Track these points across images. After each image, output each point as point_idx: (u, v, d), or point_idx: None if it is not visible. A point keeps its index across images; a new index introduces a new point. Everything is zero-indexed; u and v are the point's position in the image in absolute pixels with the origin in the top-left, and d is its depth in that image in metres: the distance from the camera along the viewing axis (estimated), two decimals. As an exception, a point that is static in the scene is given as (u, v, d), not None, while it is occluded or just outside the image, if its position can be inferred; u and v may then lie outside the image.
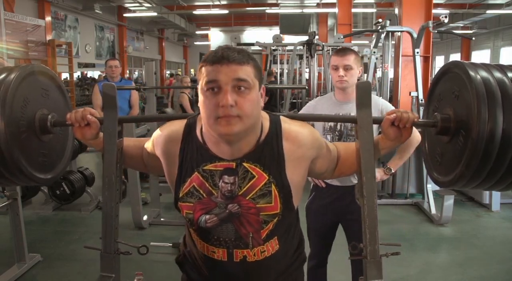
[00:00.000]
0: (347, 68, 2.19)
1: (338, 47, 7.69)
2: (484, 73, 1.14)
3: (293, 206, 1.26)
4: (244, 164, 1.19)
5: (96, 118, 1.36)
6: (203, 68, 1.11)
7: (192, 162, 1.22)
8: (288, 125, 1.24)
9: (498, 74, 1.14)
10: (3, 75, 1.30)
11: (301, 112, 2.37)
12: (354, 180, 2.20)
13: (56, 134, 1.47)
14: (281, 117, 1.26)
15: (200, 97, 1.13)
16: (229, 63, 1.08)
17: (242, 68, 1.09)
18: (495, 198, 4.58)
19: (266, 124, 1.22)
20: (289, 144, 1.21)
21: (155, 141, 1.31)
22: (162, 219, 4.32)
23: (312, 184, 2.41)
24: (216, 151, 1.20)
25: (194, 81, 11.76)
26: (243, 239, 1.24)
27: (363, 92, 1.78)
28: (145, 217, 4.11)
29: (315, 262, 2.47)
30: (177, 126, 1.27)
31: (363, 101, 1.77)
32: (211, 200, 1.21)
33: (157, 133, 1.31)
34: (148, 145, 1.37)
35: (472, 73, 1.13)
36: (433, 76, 1.40)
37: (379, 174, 2.34)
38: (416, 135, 2.13)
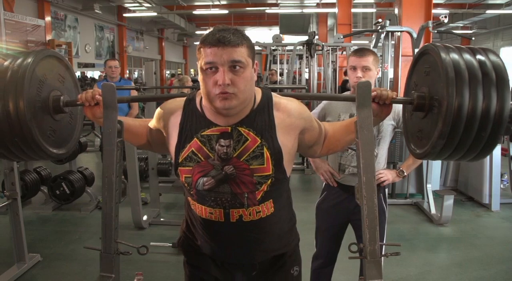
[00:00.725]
0: (365, 69, 2.15)
1: (338, 47, 7.73)
2: (454, 55, 1.25)
3: (285, 170, 1.35)
4: (239, 128, 1.31)
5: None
6: (202, 50, 1.22)
7: (192, 129, 1.34)
8: (278, 99, 1.38)
9: (467, 56, 1.26)
10: (20, 59, 1.40)
11: (315, 110, 2.36)
12: None
13: (68, 113, 1.60)
14: (272, 93, 1.40)
15: (200, 75, 1.25)
16: (225, 46, 1.19)
17: (237, 50, 1.20)
18: (495, 198, 4.58)
19: (258, 96, 1.36)
20: (279, 113, 1.35)
21: (158, 115, 1.44)
22: (162, 219, 4.33)
23: (324, 183, 2.40)
24: (213, 119, 1.33)
25: (195, 81, 11.77)
26: (238, 199, 1.33)
27: (363, 92, 1.78)
28: (145, 217, 4.11)
29: (321, 262, 2.45)
30: (178, 101, 1.41)
31: (363, 101, 1.77)
32: (208, 163, 1.32)
33: (159, 108, 1.44)
34: (152, 122, 1.48)
35: (443, 55, 1.25)
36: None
37: (391, 176, 2.32)
38: None
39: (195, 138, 1.33)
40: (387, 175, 2.30)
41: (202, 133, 1.33)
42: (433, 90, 1.33)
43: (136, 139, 1.57)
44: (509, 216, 4.45)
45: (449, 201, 4.02)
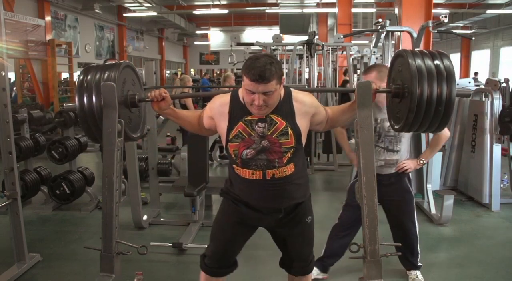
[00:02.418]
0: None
1: (338, 47, 7.74)
2: (418, 59, 1.83)
3: (302, 142, 1.93)
4: (271, 115, 1.87)
5: (167, 95, 2.00)
6: (244, 77, 1.77)
7: (238, 116, 1.90)
8: (296, 93, 1.95)
9: (427, 60, 1.83)
10: (109, 70, 1.97)
11: None
12: (393, 169, 2.78)
13: (139, 108, 2.17)
14: (291, 89, 1.97)
15: (244, 90, 1.82)
16: (261, 83, 1.72)
17: (269, 84, 1.74)
18: (495, 198, 4.58)
19: (282, 93, 1.91)
20: (297, 104, 1.92)
21: (211, 106, 2.00)
22: (162, 219, 4.32)
23: (356, 170, 2.67)
24: (251, 111, 1.87)
25: (195, 81, 11.77)
26: (271, 163, 1.90)
27: (363, 92, 1.78)
28: (145, 217, 4.11)
29: (341, 230, 2.96)
30: (225, 97, 1.97)
31: (363, 101, 1.77)
32: (250, 139, 1.89)
33: (211, 102, 2.01)
34: (206, 111, 2.03)
35: (410, 60, 1.82)
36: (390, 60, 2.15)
37: (413, 164, 2.81)
38: (445, 132, 2.82)
39: (241, 122, 1.89)
40: (409, 164, 2.79)
41: (246, 119, 1.89)
42: (405, 83, 1.87)
43: (189, 125, 2.11)
44: (509, 216, 4.45)
45: (449, 201, 4.02)
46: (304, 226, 2.08)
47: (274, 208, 1.99)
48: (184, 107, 6.83)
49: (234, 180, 2.02)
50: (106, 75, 1.93)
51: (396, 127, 2.03)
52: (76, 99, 1.94)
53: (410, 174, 2.89)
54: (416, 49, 1.91)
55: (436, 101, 1.79)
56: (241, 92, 1.89)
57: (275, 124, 1.87)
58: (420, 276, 3.02)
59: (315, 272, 2.93)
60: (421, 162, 2.85)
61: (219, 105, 1.95)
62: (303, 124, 1.91)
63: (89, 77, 1.96)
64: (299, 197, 2.02)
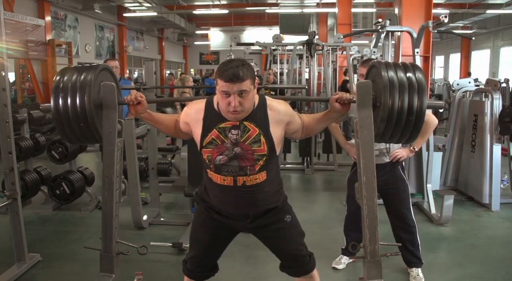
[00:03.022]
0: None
1: (338, 47, 7.74)
2: (391, 72, 1.86)
3: (275, 151, 1.95)
4: (244, 122, 1.90)
5: (143, 99, 2.02)
6: (218, 80, 1.80)
7: (212, 123, 1.92)
8: (270, 101, 1.98)
9: (400, 72, 1.86)
10: (85, 72, 1.97)
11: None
12: (386, 159, 2.91)
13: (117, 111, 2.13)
14: (266, 96, 2.00)
15: (218, 94, 1.84)
16: (235, 82, 1.76)
17: (243, 83, 1.78)
18: (495, 198, 4.58)
19: (257, 100, 1.94)
20: (271, 112, 1.94)
21: (187, 112, 2.03)
22: (162, 219, 4.32)
23: (354, 162, 2.84)
24: (226, 117, 1.90)
25: (195, 81, 11.79)
26: (243, 170, 1.92)
27: (363, 92, 1.79)
28: (145, 217, 4.11)
29: (351, 217, 3.15)
30: (200, 103, 2.00)
31: (363, 101, 1.78)
32: (223, 145, 1.91)
33: (187, 107, 2.04)
34: (182, 116, 2.06)
35: (383, 72, 1.85)
36: (365, 72, 2.13)
37: (405, 152, 2.94)
38: (433, 119, 2.90)
39: (215, 129, 1.91)
40: (402, 153, 2.93)
41: (219, 126, 1.91)
42: (377, 93, 1.89)
43: (166, 129, 2.15)
44: (509, 216, 4.45)
45: (449, 201, 4.02)
46: (284, 225, 2.09)
47: (243, 214, 2.04)
48: (184, 107, 6.83)
49: (208, 184, 2.06)
50: (82, 77, 1.94)
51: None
52: (52, 99, 1.94)
53: (403, 163, 3.04)
54: (390, 61, 1.95)
55: (407, 112, 1.82)
56: (215, 99, 1.93)
57: (248, 131, 1.89)
58: (421, 274, 3.03)
59: (345, 261, 3.25)
60: (413, 149, 2.97)
61: (195, 111, 1.99)
62: (277, 132, 1.93)
63: (65, 78, 1.97)
64: (269, 203, 2.05)
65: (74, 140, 2.03)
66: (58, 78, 1.98)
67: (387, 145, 2.87)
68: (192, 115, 1.99)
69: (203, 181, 2.13)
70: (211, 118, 1.93)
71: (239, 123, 1.89)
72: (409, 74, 1.87)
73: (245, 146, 1.89)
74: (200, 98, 2.07)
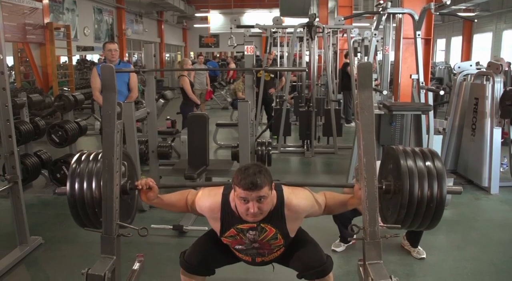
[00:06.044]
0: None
1: (339, 30, 7.66)
2: (410, 161, 1.85)
3: (291, 237, 2.07)
4: (261, 224, 1.98)
5: (154, 184, 2.04)
6: (237, 188, 1.84)
7: (230, 223, 2.01)
8: (289, 200, 1.99)
9: (419, 161, 1.87)
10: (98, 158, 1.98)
11: None
12: None
13: (130, 195, 2.11)
14: (284, 190, 2.02)
15: (236, 200, 1.89)
16: (254, 190, 1.80)
17: (262, 190, 1.82)
18: (494, 181, 4.59)
19: (274, 201, 1.97)
20: (289, 212, 1.99)
21: (200, 205, 2.06)
22: (162, 202, 4.34)
23: None
24: (245, 219, 1.96)
25: (194, 63, 11.73)
26: (261, 255, 2.12)
27: (364, 74, 1.76)
28: (145, 200, 4.12)
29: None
30: (215, 199, 2.02)
31: (364, 82, 1.75)
32: (242, 240, 2.05)
33: (200, 199, 2.07)
34: (196, 204, 2.09)
35: (402, 161, 1.85)
36: (381, 159, 2.12)
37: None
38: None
39: (233, 229, 2.01)
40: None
41: (237, 226, 2.00)
42: (396, 180, 1.88)
43: (179, 211, 2.19)
44: (508, 199, 4.47)
45: (448, 184, 4.02)
46: (297, 247, 2.15)
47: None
48: (183, 90, 6.79)
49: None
50: (99, 164, 1.94)
51: (389, 221, 1.97)
52: (68, 185, 2.02)
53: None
54: (407, 148, 1.95)
55: (427, 198, 1.83)
56: (232, 199, 1.96)
57: (265, 232, 1.99)
58: (421, 249, 3.13)
59: (342, 247, 3.27)
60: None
61: (209, 209, 2.03)
62: (293, 227, 2.05)
63: (81, 165, 1.99)
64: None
65: (88, 223, 2.08)
66: (75, 165, 2.03)
67: None
68: (207, 212, 2.05)
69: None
70: (229, 219, 2.00)
71: (257, 225, 1.97)
72: (428, 163, 1.88)
73: (263, 242, 2.04)
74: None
